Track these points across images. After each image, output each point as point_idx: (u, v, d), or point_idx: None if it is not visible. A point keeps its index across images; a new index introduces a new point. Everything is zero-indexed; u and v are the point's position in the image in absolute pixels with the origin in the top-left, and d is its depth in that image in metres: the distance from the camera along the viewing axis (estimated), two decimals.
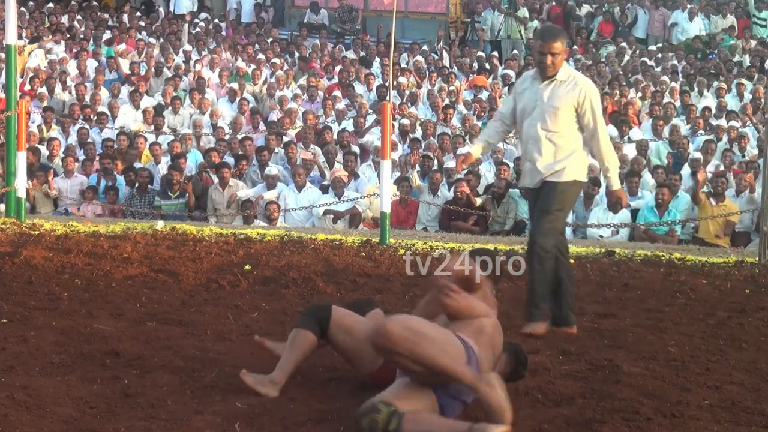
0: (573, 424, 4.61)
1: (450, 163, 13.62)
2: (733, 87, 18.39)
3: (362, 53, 21.34)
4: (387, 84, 16.32)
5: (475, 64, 20.30)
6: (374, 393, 4.77)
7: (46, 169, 13.84)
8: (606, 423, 4.60)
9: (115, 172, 13.98)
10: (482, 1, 23.29)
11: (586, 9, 23.78)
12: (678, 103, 17.36)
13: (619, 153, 14.08)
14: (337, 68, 19.48)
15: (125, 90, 17.83)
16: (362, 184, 13.69)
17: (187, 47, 20.65)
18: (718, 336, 6.40)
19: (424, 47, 21.39)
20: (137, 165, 14.32)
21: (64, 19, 22.70)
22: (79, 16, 22.97)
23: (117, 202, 13.35)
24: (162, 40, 21.31)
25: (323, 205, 12.93)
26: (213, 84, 18.64)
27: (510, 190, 12.89)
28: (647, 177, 13.64)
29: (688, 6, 22.90)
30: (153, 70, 18.98)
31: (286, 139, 15.08)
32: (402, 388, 4.59)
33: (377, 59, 20.47)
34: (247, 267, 8.06)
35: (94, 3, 24.13)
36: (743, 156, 14.53)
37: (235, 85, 18.05)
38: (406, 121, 15.73)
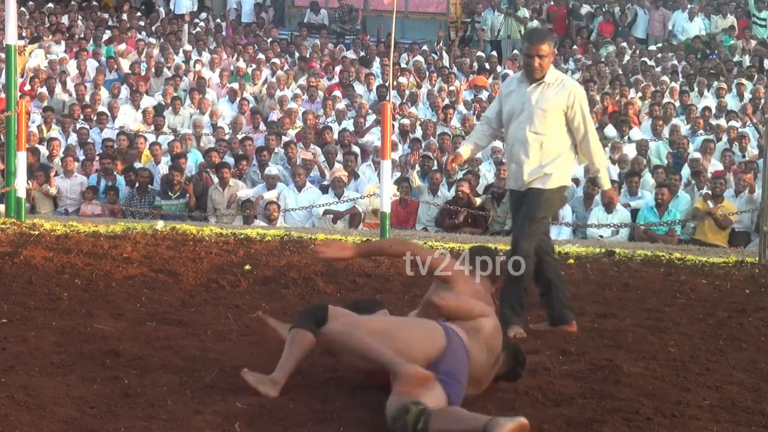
0: (573, 424, 4.61)
1: None
2: (733, 87, 18.38)
3: (362, 53, 21.33)
4: (387, 84, 16.31)
5: (475, 64, 20.31)
6: (374, 393, 4.77)
7: (46, 168, 13.84)
8: (606, 423, 4.60)
9: (115, 172, 13.97)
10: (482, 1, 23.29)
11: (586, 9, 23.78)
12: (678, 103, 17.35)
13: (619, 153, 14.13)
14: (337, 68, 19.47)
15: (125, 90, 17.83)
16: (362, 184, 13.68)
17: (187, 47, 20.64)
18: (718, 336, 6.40)
19: (424, 47, 21.40)
20: (137, 165, 14.32)
21: (64, 19, 22.69)
22: (79, 16, 22.96)
23: (117, 202, 13.35)
24: (162, 40, 21.31)
25: (323, 205, 12.93)
26: (213, 84, 18.64)
27: None
28: (647, 177, 13.64)
29: (688, 6, 22.90)
30: (153, 70, 18.97)
31: (286, 139, 15.07)
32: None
33: (377, 59, 20.46)
34: (247, 267, 8.06)
35: (94, 3, 24.12)
36: (743, 156, 14.54)
37: (235, 85, 18.04)
38: (406, 121, 15.72)
